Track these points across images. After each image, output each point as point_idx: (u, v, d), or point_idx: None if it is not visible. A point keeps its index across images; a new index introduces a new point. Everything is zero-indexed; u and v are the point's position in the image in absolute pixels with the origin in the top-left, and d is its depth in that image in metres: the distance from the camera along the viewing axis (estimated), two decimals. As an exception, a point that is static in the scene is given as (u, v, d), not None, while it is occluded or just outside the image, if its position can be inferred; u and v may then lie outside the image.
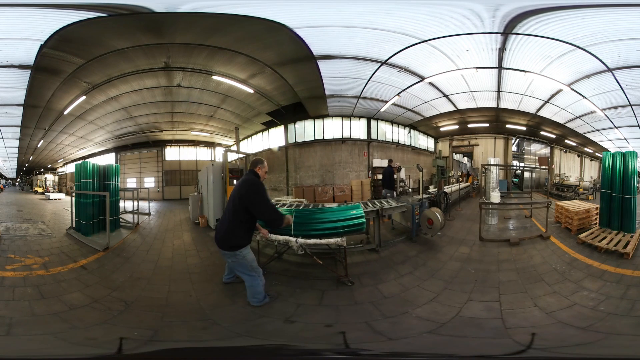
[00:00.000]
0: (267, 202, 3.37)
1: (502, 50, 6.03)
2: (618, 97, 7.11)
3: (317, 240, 4.10)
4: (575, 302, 3.45)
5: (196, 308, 3.48)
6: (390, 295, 3.80)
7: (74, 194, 6.57)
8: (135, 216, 7.73)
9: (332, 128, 9.65)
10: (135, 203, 8.20)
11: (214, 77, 7.32)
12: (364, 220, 4.43)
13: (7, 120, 8.09)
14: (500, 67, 6.86)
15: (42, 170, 15.11)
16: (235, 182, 7.46)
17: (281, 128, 10.25)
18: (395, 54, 6.10)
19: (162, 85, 7.91)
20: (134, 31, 5.48)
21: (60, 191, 13.15)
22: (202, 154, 11.87)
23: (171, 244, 6.14)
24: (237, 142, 10.56)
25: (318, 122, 9.61)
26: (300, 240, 4.02)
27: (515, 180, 11.14)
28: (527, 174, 11.04)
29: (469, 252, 5.29)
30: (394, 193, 8.08)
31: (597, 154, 10.54)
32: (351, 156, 9.81)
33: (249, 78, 7.47)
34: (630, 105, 7.37)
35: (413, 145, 11.26)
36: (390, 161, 8.35)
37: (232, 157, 10.14)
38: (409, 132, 11.04)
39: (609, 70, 6.14)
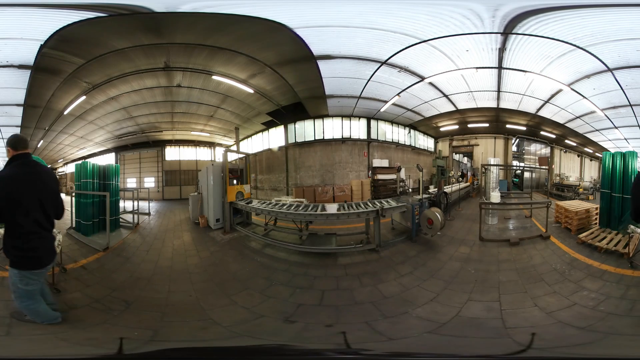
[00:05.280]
0: None
1: (502, 50, 6.03)
2: (618, 97, 7.10)
3: None
4: (575, 302, 3.46)
5: (196, 308, 3.48)
6: (390, 295, 3.80)
7: (74, 194, 6.57)
8: (135, 216, 7.72)
9: (332, 128, 9.64)
10: (135, 203, 8.20)
11: (214, 77, 7.31)
12: None
13: (7, 120, 8.06)
14: (500, 67, 6.86)
15: (42, 170, 15.08)
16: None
17: (281, 128, 10.24)
18: (395, 54, 6.10)
19: (162, 85, 7.89)
20: (134, 31, 5.47)
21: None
22: (202, 154, 11.86)
23: (171, 244, 6.14)
24: (237, 142, 10.56)
25: (318, 122, 9.60)
26: None
27: (515, 180, 11.13)
28: (527, 174, 11.03)
29: (469, 252, 5.29)
30: None
31: (597, 154, 10.53)
32: (351, 156, 9.80)
33: (249, 78, 7.46)
34: (630, 105, 7.36)
35: (413, 145, 11.25)
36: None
37: (232, 157, 10.14)
38: (409, 132, 11.03)
39: (609, 70, 6.14)
